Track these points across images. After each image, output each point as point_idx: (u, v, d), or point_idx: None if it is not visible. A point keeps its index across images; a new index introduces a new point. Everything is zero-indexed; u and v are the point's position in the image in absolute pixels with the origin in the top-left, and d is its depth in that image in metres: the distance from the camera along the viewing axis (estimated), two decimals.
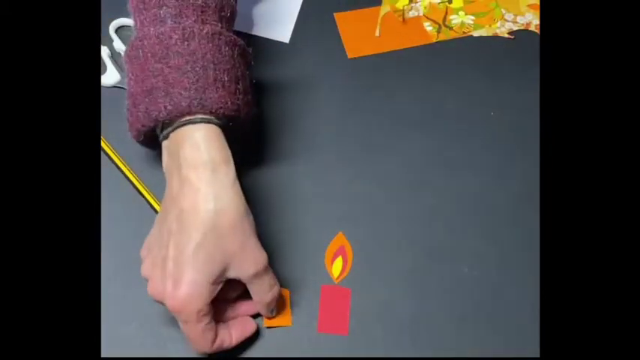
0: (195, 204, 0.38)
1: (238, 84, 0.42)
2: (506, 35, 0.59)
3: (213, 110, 0.40)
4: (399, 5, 0.60)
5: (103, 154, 0.50)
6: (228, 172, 0.39)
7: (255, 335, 0.44)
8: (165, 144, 0.42)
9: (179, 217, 0.38)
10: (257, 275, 0.40)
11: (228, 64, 0.42)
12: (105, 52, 0.54)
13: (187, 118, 0.40)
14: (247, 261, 0.39)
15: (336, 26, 0.59)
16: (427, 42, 0.58)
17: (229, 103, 0.41)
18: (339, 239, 0.48)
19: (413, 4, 0.60)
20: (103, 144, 0.50)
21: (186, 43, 0.40)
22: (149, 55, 0.41)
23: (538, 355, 0.43)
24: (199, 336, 0.39)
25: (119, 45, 0.55)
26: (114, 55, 0.55)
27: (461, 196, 0.50)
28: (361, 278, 0.46)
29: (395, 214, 0.49)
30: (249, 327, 0.43)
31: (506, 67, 0.57)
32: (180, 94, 0.39)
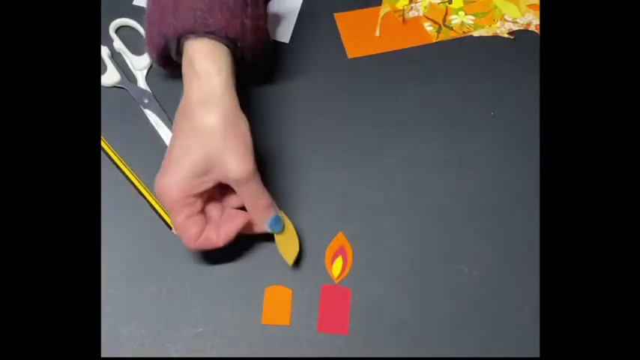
0: (184, 107, 0.42)
1: (246, 9, 0.44)
2: (506, 35, 0.59)
3: (216, 30, 0.42)
4: (399, 5, 0.60)
5: (103, 154, 0.50)
6: (217, 80, 0.41)
7: (256, 334, 0.44)
8: (183, 56, 0.44)
9: (175, 121, 0.43)
10: (240, 181, 0.42)
11: None
12: (105, 52, 0.54)
13: (192, 36, 0.42)
14: (230, 165, 0.41)
15: (336, 26, 0.59)
16: (427, 42, 0.58)
17: (233, 25, 0.43)
18: (339, 239, 0.48)
19: (413, 4, 0.60)
20: (103, 144, 0.50)
21: None
22: None
23: (538, 355, 0.43)
24: (181, 228, 0.42)
25: (119, 45, 0.55)
26: (114, 55, 0.55)
27: (461, 196, 0.50)
28: (361, 278, 0.46)
29: (395, 214, 0.49)
30: (237, 222, 0.43)
31: (506, 67, 0.57)
32: (187, 13, 0.42)
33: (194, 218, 0.42)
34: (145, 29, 0.46)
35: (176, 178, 0.41)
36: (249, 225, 0.44)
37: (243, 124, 0.42)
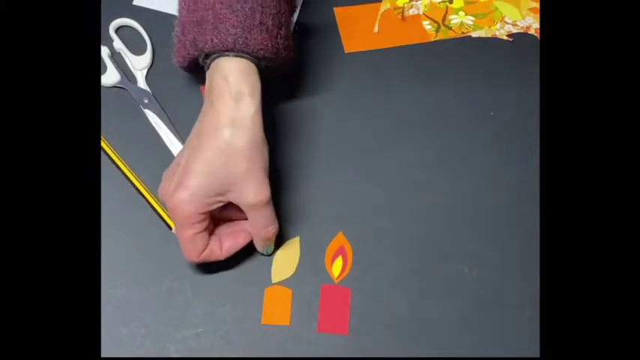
0: (214, 124, 0.41)
1: (281, 29, 0.45)
2: (506, 37, 0.59)
3: (255, 51, 0.43)
4: (400, 3, 0.60)
5: (103, 154, 0.50)
6: (251, 103, 0.42)
7: (256, 334, 0.44)
8: (207, 73, 0.44)
9: (199, 133, 0.42)
10: (255, 206, 0.42)
11: (274, 10, 0.44)
12: (105, 52, 0.54)
13: (228, 53, 0.43)
14: (249, 189, 0.42)
15: (335, 21, 0.59)
16: (425, 40, 0.58)
17: (270, 46, 0.44)
18: (339, 239, 0.48)
19: (414, 2, 0.60)
20: (103, 144, 0.50)
21: None
22: None
23: (538, 355, 0.43)
24: (188, 242, 0.42)
25: (119, 45, 0.55)
26: (114, 55, 0.55)
27: (461, 196, 0.50)
28: (361, 278, 0.46)
29: (395, 214, 0.49)
30: (242, 239, 0.45)
31: (506, 67, 0.57)
32: (227, 31, 0.42)
33: (202, 234, 0.42)
34: (176, 34, 0.46)
35: (194, 195, 0.41)
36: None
37: (266, 150, 0.43)
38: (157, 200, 0.48)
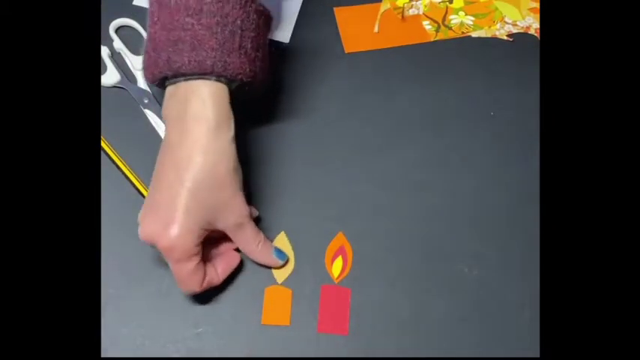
0: (192, 154, 0.40)
1: (258, 52, 0.44)
2: (505, 37, 0.59)
3: (233, 75, 0.42)
4: (400, 3, 0.60)
5: (102, 154, 0.50)
6: (228, 130, 0.41)
7: (256, 334, 0.44)
8: (171, 90, 0.43)
9: (176, 166, 0.40)
10: (241, 225, 0.43)
11: (253, 32, 0.43)
12: (105, 52, 0.54)
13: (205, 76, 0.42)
14: (233, 212, 0.42)
15: (336, 21, 0.59)
16: (425, 40, 0.58)
17: (248, 70, 0.43)
18: (339, 239, 0.48)
19: (414, 2, 0.60)
20: (102, 144, 0.50)
21: (220, 4, 0.41)
22: (182, 7, 0.41)
23: (538, 355, 0.43)
24: (189, 276, 0.41)
25: (119, 45, 0.55)
26: (114, 55, 0.55)
27: (461, 196, 0.50)
28: (361, 278, 0.46)
29: (395, 214, 0.49)
30: (234, 260, 0.45)
31: (506, 67, 0.57)
32: (207, 53, 0.41)
33: (201, 263, 0.42)
34: (146, 50, 0.44)
35: (188, 229, 0.40)
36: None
37: (240, 170, 0.43)
38: None
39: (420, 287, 0.46)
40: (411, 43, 0.58)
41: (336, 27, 0.58)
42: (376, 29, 0.58)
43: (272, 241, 0.47)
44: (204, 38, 0.41)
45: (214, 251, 0.45)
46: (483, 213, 0.49)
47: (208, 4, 0.41)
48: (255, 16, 0.43)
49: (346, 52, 0.57)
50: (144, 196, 0.48)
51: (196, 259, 0.41)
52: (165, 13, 0.42)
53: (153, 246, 0.41)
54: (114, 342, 0.43)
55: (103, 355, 0.43)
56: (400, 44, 0.58)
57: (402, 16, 0.59)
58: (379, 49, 0.57)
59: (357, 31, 0.58)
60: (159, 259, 0.46)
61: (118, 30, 0.56)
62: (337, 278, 0.46)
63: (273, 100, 0.54)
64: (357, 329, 0.45)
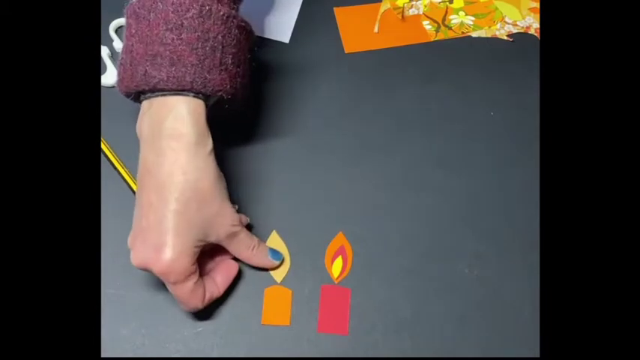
0: (173, 174, 0.39)
1: (239, 67, 0.44)
2: (506, 38, 0.59)
3: (214, 92, 0.41)
4: (400, 3, 0.60)
5: (102, 155, 0.50)
6: (206, 144, 0.41)
7: (256, 334, 0.44)
8: (145, 105, 0.42)
9: (157, 188, 0.39)
10: (231, 235, 0.42)
11: (234, 48, 0.43)
12: (105, 52, 0.54)
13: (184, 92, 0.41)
14: (224, 223, 0.41)
15: (336, 21, 0.59)
16: (425, 41, 0.58)
17: (229, 86, 0.42)
18: (339, 239, 0.48)
19: (414, 2, 0.61)
20: (102, 145, 0.50)
21: (201, 19, 0.41)
22: (161, 21, 0.40)
23: (538, 355, 0.43)
24: (189, 295, 0.40)
25: (119, 45, 0.55)
26: (114, 55, 0.55)
27: (461, 196, 0.50)
28: (361, 278, 0.46)
29: (395, 214, 0.49)
30: (232, 270, 0.45)
31: (506, 67, 0.57)
32: (186, 69, 0.40)
33: (199, 280, 0.41)
34: (121, 62, 0.43)
35: (181, 251, 0.39)
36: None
37: (223, 179, 0.42)
38: None
39: (420, 287, 0.46)
40: (411, 43, 0.58)
41: (336, 27, 0.58)
42: (376, 29, 0.58)
43: (265, 241, 0.47)
44: (184, 54, 0.40)
45: (211, 263, 0.44)
46: (483, 213, 0.49)
47: (189, 19, 0.40)
48: (237, 31, 0.43)
49: (346, 52, 0.57)
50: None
51: (194, 278, 0.40)
52: (143, 26, 0.41)
53: (147, 272, 0.40)
54: (114, 342, 0.43)
55: (103, 355, 0.43)
56: (400, 44, 0.58)
57: (402, 16, 0.59)
58: (379, 49, 0.57)
59: (357, 31, 0.58)
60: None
61: (117, 30, 0.56)
62: (337, 278, 0.46)
63: (272, 101, 0.54)
64: (357, 329, 0.45)
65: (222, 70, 0.41)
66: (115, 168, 0.49)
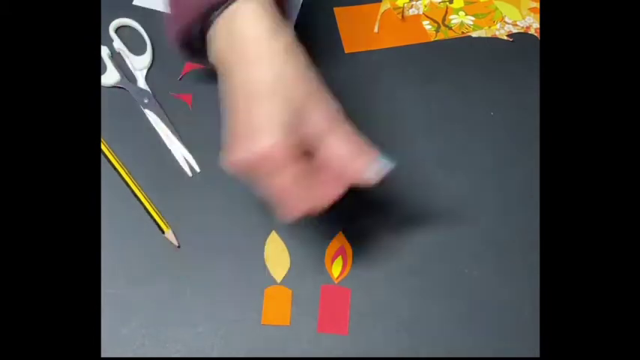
0: (254, 74, 0.38)
1: None
2: (506, 37, 0.59)
3: None
4: (400, 2, 0.60)
5: (102, 155, 0.50)
6: (280, 37, 0.39)
7: (256, 334, 0.44)
8: (212, 33, 0.41)
9: (243, 91, 0.38)
10: (332, 126, 0.39)
11: None
12: (105, 52, 0.54)
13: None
14: (319, 110, 0.38)
15: (336, 21, 0.59)
16: (425, 40, 0.58)
17: None
18: (339, 239, 0.48)
19: (414, 2, 0.61)
20: (102, 145, 0.50)
21: None
22: None
23: (538, 355, 0.43)
24: (291, 188, 0.37)
25: (119, 45, 0.55)
26: (114, 55, 0.55)
27: (461, 196, 0.50)
28: (361, 278, 0.46)
29: (395, 214, 0.49)
30: (339, 182, 0.39)
31: (507, 67, 0.57)
32: None
33: (300, 176, 0.37)
34: (170, 4, 0.43)
35: (278, 131, 0.36)
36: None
37: (314, 71, 0.40)
38: (152, 204, 0.48)
39: (420, 287, 0.46)
40: (411, 43, 0.58)
41: (336, 27, 0.58)
42: (376, 29, 0.58)
43: (264, 242, 0.47)
44: None
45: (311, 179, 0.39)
46: (483, 213, 0.49)
47: None
48: None
49: (346, 52, 0.57)
50: (139, 198, 0.48)
51: (297, 166, 0.37)
52: None
53: (248, 171, 0.37)
54: (114, 342, 0.43)
55: (103, 355, 0.43)
56: (400, 44, 0.58)
57: (402, 16, 0.59)
58: (379, 49, 0.57)
59: (357, 31, 0.58)
60: (159, 259, 0.46)
61: (118, 30, 0.56)
62: (337, 278, 0.46)
63: None
64: (357, 329, 0.45)
65: None
66: (115, 168, 0.49)
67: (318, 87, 0.40)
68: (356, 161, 0.39)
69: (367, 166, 0.39)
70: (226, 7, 0.40)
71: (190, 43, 0.44)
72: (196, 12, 0.41)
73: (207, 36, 0.42)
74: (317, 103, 0.39)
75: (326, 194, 0.38)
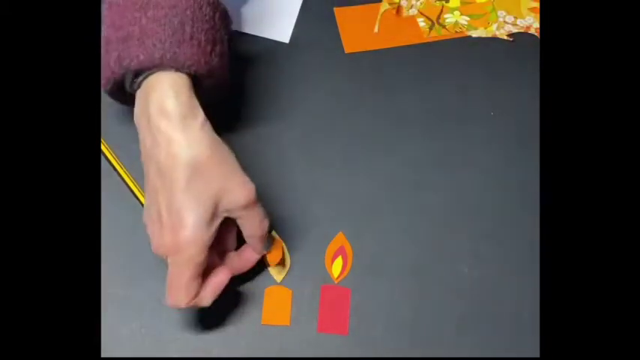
0: (170, 153, 0.38)
1: (215, 46, 0.43)
2: (506, 37, 0.58)
3: (185, 66, 0.40)
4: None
5: (102, 155, 0.50)
6: (196, 116, 0.39)
7: (256, 334, 0.44)
8: (138, 93, 0.41)
9: (159, 171, 0.39)
10: (248, 206, 0.40)
11: (207, 24, 0.42)
12: None
13: (157, 70, 0.40)
14: (236, 191, 0.40)
15: (336, 21, 0.59)
16: (420, 39, 0.58)
17: (202, 61, 0.41)
18: (339, 239, 0.48)
19: (414, 2, 0.61)
20: (102, 145, 0.50)
21: None
22: (130, 3, 0.40)
23: (538, 355, 0.43)
24: (184, 285, 0.39)
25: None
26: None
27: (461, 196, 0.50)
28: (361, 278, 0.46)
29: (395, 214, 0.49)
30: (224, 275, 0.42)
31: (507, 67, 0.57)
32: (155, 45, 0.39)
33: (199, 278, 0.40)
34: (101, 57, 0.42)
35: (197, 229, 0.38)
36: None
37: (228, 149, 0.41)
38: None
39: (420, 287, 0.46)
40: (411, 43, 0.58)
41: (336, 27, 0.58)
42: (376, 29, 0.58)
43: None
44: (152, 31, 0.40)
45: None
46: (483, 213, 0.49)
47: None
48: (208, 8, 0.42)
49: (346, 52, 0.57)
50: (139, 198, 0.48)
51: (199, 269, 0.39)
52: (114, 12, 0.41)
53: (167, 256, 0.39)
54: (114, 342, 0.43)
55: (103, 355, 0.43)
56: (400, 44, 0.58)
57: (397, 12, 0.59)
58: (379, 50, 0.57)
59: (357, 32, 0.58)
60: (159, 259, 0.46)
61: None
62: (337, 278, 0.46)
63: (273, 100, 0.54)
64: (357, 329, 0.45)
65: (193, 44, 0.41)
66: (115, 168, 0.49)
67: (234, 167, 0.40)
68: (260, 241, 0.43)
69: (263, 248, 0.43)
70: (145, 77, 0.40)
71: (117, 92, 0.44)
72: (116, 70, 0.41)
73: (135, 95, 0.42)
74: (234, 187, 0.40)
75: (211, 292, 0.41)
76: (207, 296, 0.41)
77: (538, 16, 0.60)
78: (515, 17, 0.60)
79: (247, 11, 0.59)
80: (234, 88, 0.54)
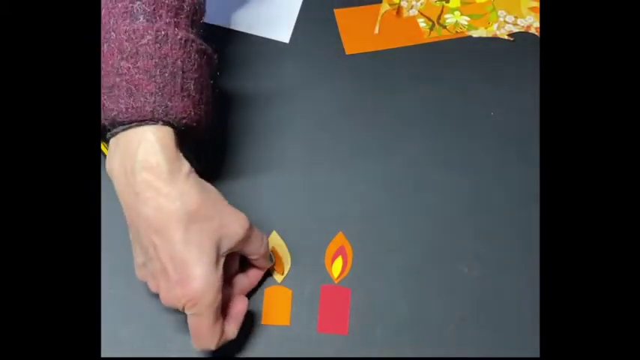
0: (160, 208, 0.37)
1: (202, 94, 0.42)
2: (506, 37, 0.59)
3: (177, 119, 0.39)
4: (397, 0, 0.60)
5: (102, 156, 0.50)
6: (181, 168, 0.39)
7: (256, 334, 0.44)
8: (113, 143, 0.40)
9: (150, 227, 0.38)
10: (247, 235, 0.41)
11: (196, 73, 0.41)
12: None
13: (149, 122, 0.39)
14: (233, 226, 0.40)
15: (336, 22, 0.59)
16: (420, 39, 0.58)
17: (192, 113, 0.40)
18: (339, 239, 0.48)
19: (414, 3, 0.61)
20: (102, 146, 0.50)
21: (157, 45, 0.39)
22: (116, 50, 0.39)
23: (538, 355, 0.43)
24: (209, 330, 0.39)
25: None
26: None
27: (461, 196, 0.50)
28: (361, 278, 0.46)
29: (395, 214, 0.49)
30: (241, 304, 0.42)
31: (507, 67, 0.57)
32: (145, 99, 0.38)
33: (220, 318, 0.40)
34: None
35: (207, 278, 0.38)
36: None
37: (213, 190, 0.40)
38: None
39: (420, 287, 0.46)
40: (411, 44, 0.58)
41: (336, 28, 0.58)
42: (376, 31, 0.59)
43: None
44: (141, 82, 0.38)
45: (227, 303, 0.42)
46: (483, 213, 0.49)
47: (144, 46, 0.38)
48: (196, 55, 0.41)
49: (347, 53, 0.57)
50: None
51: (218, 312, 0.39)
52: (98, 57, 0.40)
53: (182, 309, 0.39)
54: (114, 342, 0.43)
55: (103, 355, 0.43)
56: (401, 45, 0.58)
57: (397, 12, 0.59)
58: (380, 51, 0.57)
59: (357, 33, 0.58)
60: None
61: None
62: (337, 278, 0.46)
63: (273, 100, 0.54)
64: (357, 329, 0.45)
65: (184, 96, 0.40)
66: None
67: (223, 204, 0.40)
68: (265, 258, 0.44)
69: (269, 262, 0.45)
70: (126, 128, 0.39)
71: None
72: (102, 121, 0.39)
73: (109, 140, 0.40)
74: (229, 222, 0.40)
75: (236, 325, 0.41)
76: (233, 330, 0.41)
77: (538, 15, 0.60)
78: (516, 17, 0.60)
79: (247, 11, 0.59)
80: (234, 91, 0.54)
